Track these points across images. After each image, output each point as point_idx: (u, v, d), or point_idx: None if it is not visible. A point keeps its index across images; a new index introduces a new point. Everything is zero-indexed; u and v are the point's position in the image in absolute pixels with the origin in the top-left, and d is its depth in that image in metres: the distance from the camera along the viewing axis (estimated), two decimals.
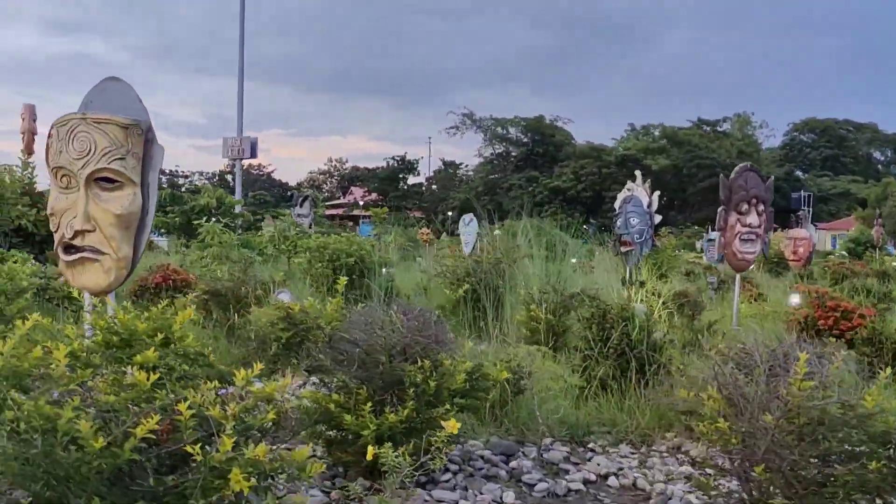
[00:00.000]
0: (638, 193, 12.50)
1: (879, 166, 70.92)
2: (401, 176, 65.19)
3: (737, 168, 9.04)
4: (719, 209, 8.95)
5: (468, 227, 23.56)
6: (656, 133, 62.58)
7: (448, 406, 3.38)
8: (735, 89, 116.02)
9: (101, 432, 1.82)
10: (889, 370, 3.17)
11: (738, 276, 9.30)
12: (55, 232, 4.61)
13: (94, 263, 4.52)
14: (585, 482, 3.72)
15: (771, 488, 3.00)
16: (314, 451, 3.43)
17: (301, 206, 15.06)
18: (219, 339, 6.13)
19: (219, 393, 2.11)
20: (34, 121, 19.51)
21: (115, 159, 4.43)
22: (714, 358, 3.31)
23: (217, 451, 1.86)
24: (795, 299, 10.58)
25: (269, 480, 2.12)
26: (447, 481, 3.56)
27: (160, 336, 2.79)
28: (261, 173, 75.26)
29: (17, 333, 2.12)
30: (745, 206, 8.87)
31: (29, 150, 18.94)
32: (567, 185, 55.56)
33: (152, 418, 1.84)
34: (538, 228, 25.36)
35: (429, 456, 2.75)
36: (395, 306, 3.53)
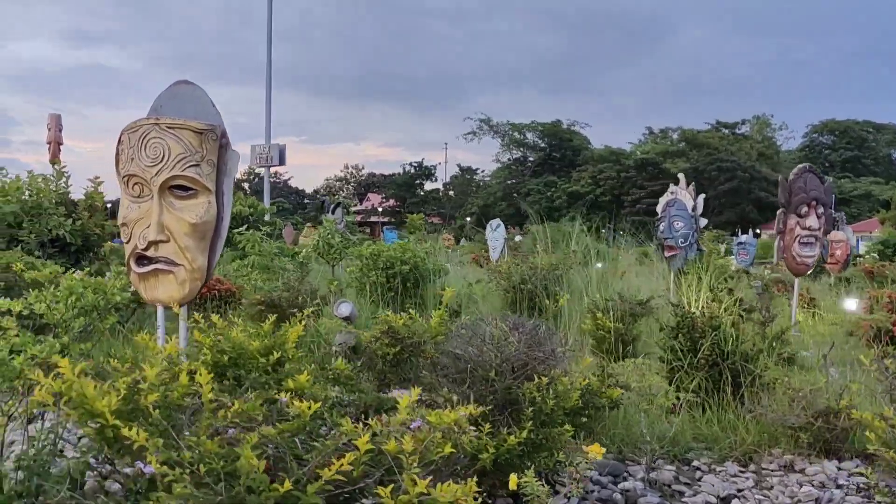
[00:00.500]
0: (681, 197, 12.26)
1: None
2: (418, 182, 65.14)
3: (795, 169, 8.77)
4: (778, 212, 8.69)
5: (495, 232, 23.35)
6: (674, 136, 62.15)
7: (567, 426, 3.16)
8: (752, 91, 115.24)
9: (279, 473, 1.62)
10: None
11: (796, 281, 9.03)
12: (126, 243, 4.42)
13: (168, 275, 4.32)
14: None
15: None
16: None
17: (332, 213, 14.88)
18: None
19: (410, 426, 1.89)
20: (60, 130, 19.49)
21: (189, 166, 4.24)
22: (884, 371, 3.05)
23: (404, 491, 1.64)
24: (852, 305, 10.30)
25: None
26: None
27: (275, 355, 2.58)
28: (278, 181, 75.34)
29: (158, 360, 1.91)
30: (804, 209, 8.61)
31: (55, 160, 18.94)
32: (586, 190, 55.24)
33: (342, 458, 1.62)
34: (566, 234, 25.12)
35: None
36: (506, 321, 3.31)
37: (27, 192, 11.86)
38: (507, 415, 3.20)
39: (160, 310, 4.43)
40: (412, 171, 65.55)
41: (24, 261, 9.32)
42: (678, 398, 4.55)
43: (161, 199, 4.26)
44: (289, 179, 77.72)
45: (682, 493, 3.60)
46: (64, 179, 12.89)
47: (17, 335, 2.91)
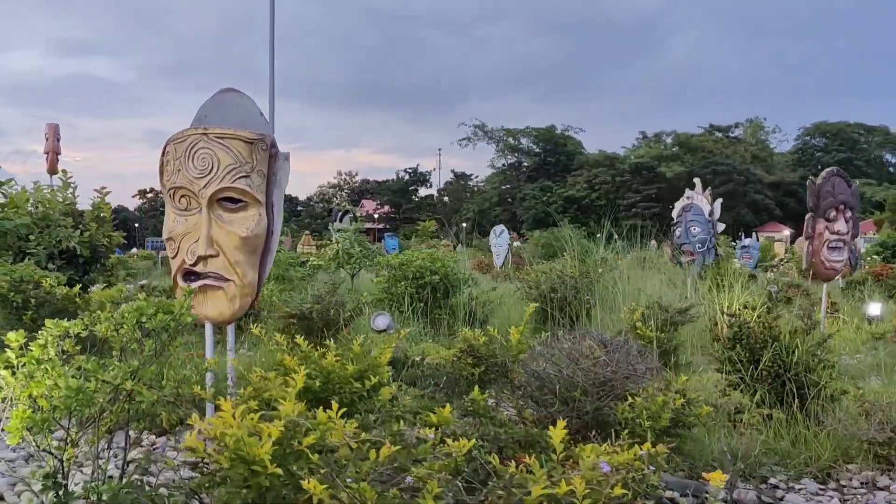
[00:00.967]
0: (698, 202, 12.15)
1: (892, 168, 70.57)
2: (412, 188, 65.02)
3: (823, 173, 8.66)
4: (807, 216, 8.58)
5: (499, 238, 23.24)
6: (668, 140, 62.26)
7: (660, 447, 3.00)
8: (744, 94, 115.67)
9: None
10: None
11: (824, 287, 8.91)
12: (173, 258, 4.24)
13: (218, 291, 4.15)
14: None
15: None
16: None
17: (341, 220, 14.70)
18: None
19: (602, 468, 1.72)
20: (58, 140, 19.22)
21: (239, 177, 4.07)
22: None
23: None
24: (875, 309, 10.19)
25: None
26: None
27: (372, 380, 2.42)
28: None
29: (286, 410, 1.74)
30: (832, 213, 8.50)
31: (52, 170, 18.68)
32: (581, 194, 55.22)
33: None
34: (567, 238, 24.94)
35: None
36: (592, 336, 3.16)
37: (35, 204, 11.65)
38: (595, 436, 3.04)
39: (208, 327, 4.26)
40: (406, 177, 65.40)
41: (39, 275, 9.11)
42: (761, 414, 4.40)
43: (210, 213, 4.09)
44: None
45: None
46: (70, 190, 12.69)
47: (84, 359, 2.73)
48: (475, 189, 67.41)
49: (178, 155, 4.13)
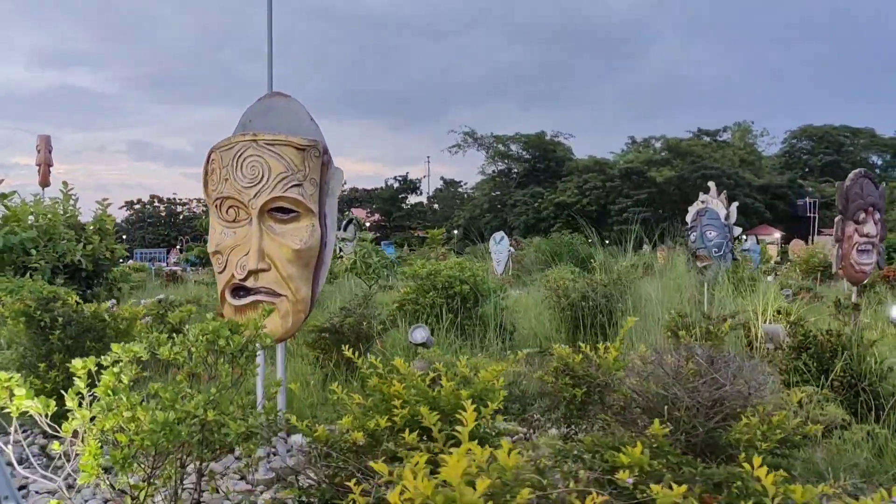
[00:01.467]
0: (713, 206, 11.98)
1: (878, 170, 71.09)
2: (402, 196, 64.78)
3: (851, 174, 8.53)
4: (836, 219, 8.45)
5: (499, 245, 23.05)
6: (657, 145, 62.37)
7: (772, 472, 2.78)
8: (729, 99, 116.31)
9: None
10: None
11: (854, 290, 8.77)
12: (220, 272, 3.99)
13: (269, 307, 3.90)
14: None
15: None
16: None
17: (345, 230, 14.44)
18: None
19: None
20: (50, 152, 18.84)
21: (291, 186, 3.83)
22: None
23: None
24: None
25: None
26: None
27: (493, 405, 2.19)
28: None
29: (411, 467, 1.50)
30: (861, 215, 8.36)
31: (45, 182, 18.29)
32: (572, 200, 55.11)
33: None
34: (568, 244, 24.82)
35: None
36: (695, 351, 2.94)
37: (38, 217, 11.33)
38: (706, 458, 2.81)
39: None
40: (396, 184, 65.14)
41: (64, 291, 8.80)
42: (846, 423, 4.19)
43: (260, 224, 3.85)
44: None
45: None
46: (72, 202, 12.36)
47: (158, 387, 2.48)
48: (465, 196, 67.25)
49: (224, 163, 3.89)
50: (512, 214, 57.71)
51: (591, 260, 22.12)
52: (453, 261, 7.62)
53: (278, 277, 3.86)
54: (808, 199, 56.34)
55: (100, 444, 2.40)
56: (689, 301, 8.80)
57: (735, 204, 11.89)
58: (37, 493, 3.57)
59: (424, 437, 2.29)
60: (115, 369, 2.43)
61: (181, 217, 71.23)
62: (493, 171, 63.97)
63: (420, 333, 5.78)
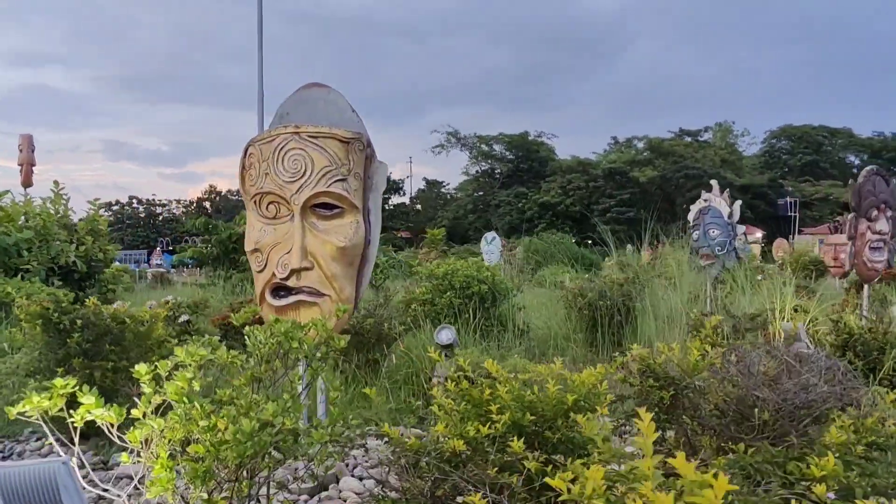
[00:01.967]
0: (716, 204, 11.94)
1: (856, 169, 71.88)
2: (385, 196, 64.52)
3: (864, 172, 8.49)
4: (849, 217, 8.40)
5: (491, 245, 22.91)
6: (640, 145, 62.63)
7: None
8: (710, 99, 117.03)
9: None
10: None
11: (866, 287, 8.73)
12: (259, 272, 3.81)
13: (312, 307, 3.73)
14: None
15: None
16: None
17: None
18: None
19: None
20: (32, 151, 18.44)
21: (335, 181, 3.66)
22: None
23: None
24: None
25: None
26: None
27: (602, 409, 2.04)
28: (239, 199, 73.91)
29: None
30: (874, 213, 8.32)
31: (27, 183, 17.90)
32: (556, 200, 55.18)
33: None
34: (559, 244, 24.70)
35: None
36: (778, 351, 2.81)
37: (29, 218, 11.03)
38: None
39: None
40: None
41: (46, 291, 8.53)
42: None
43: (303, 220, 3.67)
44: None
45: None
46: (63, 203, 12.07)
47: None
48: (448, 197, 67.08)
49: (264, 157, 3.71)
50: (496, 215, 57.64)
51: (582, 260, 22.08)
52: (471, 260, 7.48)
53: (322, 276, 3.69)
54: (788, 199, 56.74)
55: (169, 455, 2.22)
56: (697, 300, 8.72)
57: (738, 202, 11.86)
58: None
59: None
60: (189, 374, 2.25)
61: (160, 218, 70.45)
62: (477, 172, 63.89)
63: (446, 334, 5.63)
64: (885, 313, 7.07)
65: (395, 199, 66.52)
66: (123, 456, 2.27)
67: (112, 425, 2.20)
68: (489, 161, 63.30)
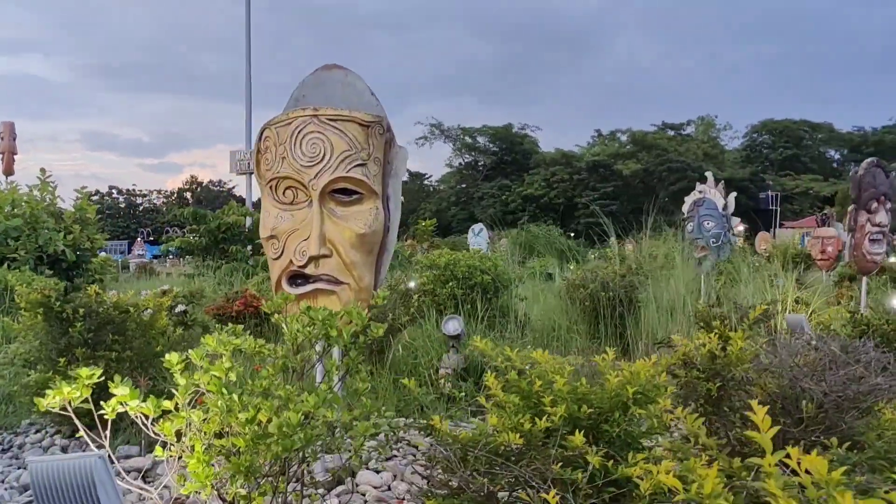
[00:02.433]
0: (710, 195, 11.91)
1: (835, 164, 72.56)
2: None
3: (864, 163, 8.47)
4: (849, 209, 8.39)
5: (478, 237, 22.85)
6: (623, 138, 62.81)
7: None
8: (691, 93, 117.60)
9: None
10: None
11: (864, 280, 8.74)
12: (275, 259, 3.69)
13: (330, 296, 3.62)
14: None
15: None
16: None
17: None
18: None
19: None
20: (13, 139, 18.07)
21: (354, 165, 3.55)
22: None
23: None
24: None
25: None
26: None
27: (663, 402, 1.96)
28: (221, 190, 73.34)
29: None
30: (874, 205, 8.32)
31: (8, 171, 17.55)
32: (539, 193, 55.23)
33: None
34: (543, 236, 24.67)
35: None
36: (821, 340, 2.74)
37: (14, 206, 10.79)
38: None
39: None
40: None
41: (39, 280, 8.32)
42: None
43: (322, 206, 3.55)
44: (233, 188, 75.65)
45: None
46: (50, 191, 11.83)
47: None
48: (431, 189, 66.94)
49: (281, 140, 3.59)
50: (479, 207, 57.58)
51: (569, 252, 22.03)
52: (474, 250, 7.38)
53: (341, 264, 3.58)
54: (769, 193, 57.22)
55: (204, 449, 2.11)
56: (696, 292, 8.69)
57: (733, 194, 11.84)
58: None
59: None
60: (226, 363, 2.14)
61: (141, 209, 69.74)
62: (460, 164, 63.80)
63: (453, 325, 5.54)
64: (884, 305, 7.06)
65: None
66: (157, 449, 2.16)
67: (147, 417, 2.09)
68: (473, 153, 63.21)
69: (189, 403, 2.23)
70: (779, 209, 57.43)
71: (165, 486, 3.19)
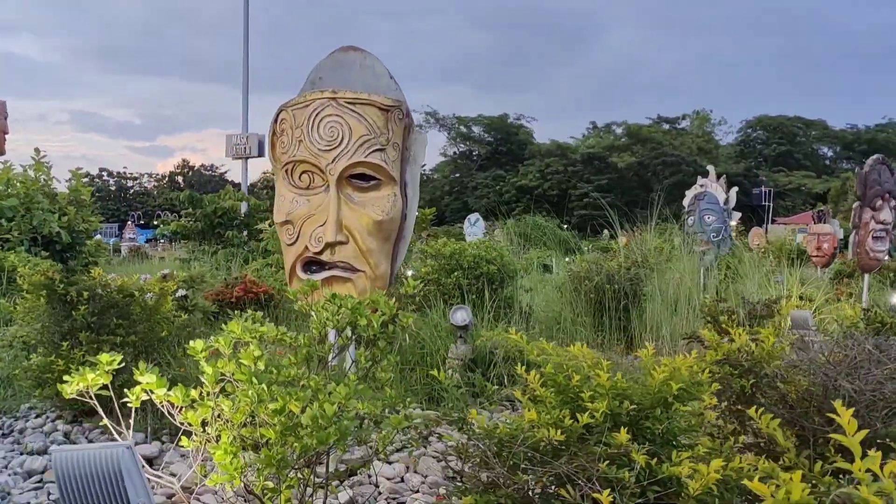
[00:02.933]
0: (711, 189, 11.88)
1: (828, 161, 72.74)
2: None
3: (869, 161, 8.45)
4: (854, 206, 8.35)
5: (474, 227, 22.73)
6: (618, 130, 62.74)
7: None
8: (686, 87, 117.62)
9: None
10: None
11: (866, 277, 8.72)
12: (290, 244, 3.61)
13: (346, 283, 3.54)
14: None
15: None
16: None
17: None
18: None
19: None
20: (6, 118, 17.81)
21: (373, 150, 3.47)
22: None
23: None
24: None
25: None
26: None
27: (708, 400, 1.89)
28: (213, 174, 72.86)
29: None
30: (878, 202, 8.29)
31: (0, 151, 17.33)
32: (534, 184, 55.11)
33: None
34: (540, 227, 24.59)
35: None
36: (854, 338, 2.68)
37: (9, 185, 10.64)
38: None
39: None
40: None
41: (34, 262, 8.20)
42: None
43: (339, 192, 3.47)
44: (225, 173, 75.18)
45: None
46: (45, 171, 11.67)
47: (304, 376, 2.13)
48: (425, 178, 66.78)
49: (298, 123, 3.50)
50: (473, 197, 57.44)
51: (566, 243, 21.97)
52: (479, 240, 7.31)
53: (357, 251, 3.50)
54: (763, 188, 57.31)
55: (231, 440, 2.04)
56: (699, 286, 8.65)
57: (735, 189, 11.82)
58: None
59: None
60: (256, 351, 2.06)
61: (132, 192, 69.27)
62: (455, 153, 63.58)
63: (461, 315, 5.47)
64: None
65: None
66: (184, 440, 2.08)
67: (173, 405, 2.01)
68: (467, 143, 63.01)
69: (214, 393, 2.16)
70: (772, 205, 57.53)
71: (172, 474, 3.12)
